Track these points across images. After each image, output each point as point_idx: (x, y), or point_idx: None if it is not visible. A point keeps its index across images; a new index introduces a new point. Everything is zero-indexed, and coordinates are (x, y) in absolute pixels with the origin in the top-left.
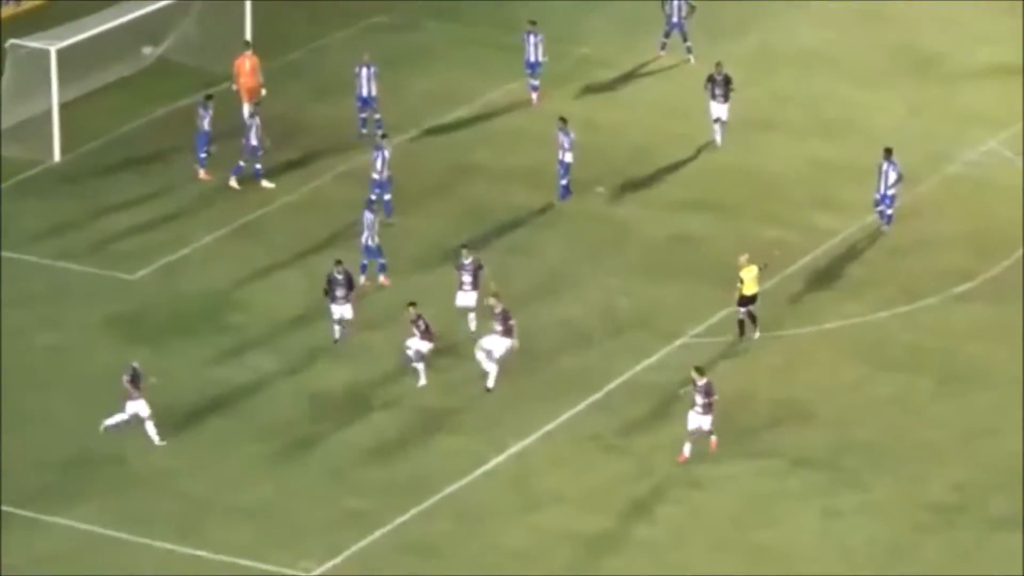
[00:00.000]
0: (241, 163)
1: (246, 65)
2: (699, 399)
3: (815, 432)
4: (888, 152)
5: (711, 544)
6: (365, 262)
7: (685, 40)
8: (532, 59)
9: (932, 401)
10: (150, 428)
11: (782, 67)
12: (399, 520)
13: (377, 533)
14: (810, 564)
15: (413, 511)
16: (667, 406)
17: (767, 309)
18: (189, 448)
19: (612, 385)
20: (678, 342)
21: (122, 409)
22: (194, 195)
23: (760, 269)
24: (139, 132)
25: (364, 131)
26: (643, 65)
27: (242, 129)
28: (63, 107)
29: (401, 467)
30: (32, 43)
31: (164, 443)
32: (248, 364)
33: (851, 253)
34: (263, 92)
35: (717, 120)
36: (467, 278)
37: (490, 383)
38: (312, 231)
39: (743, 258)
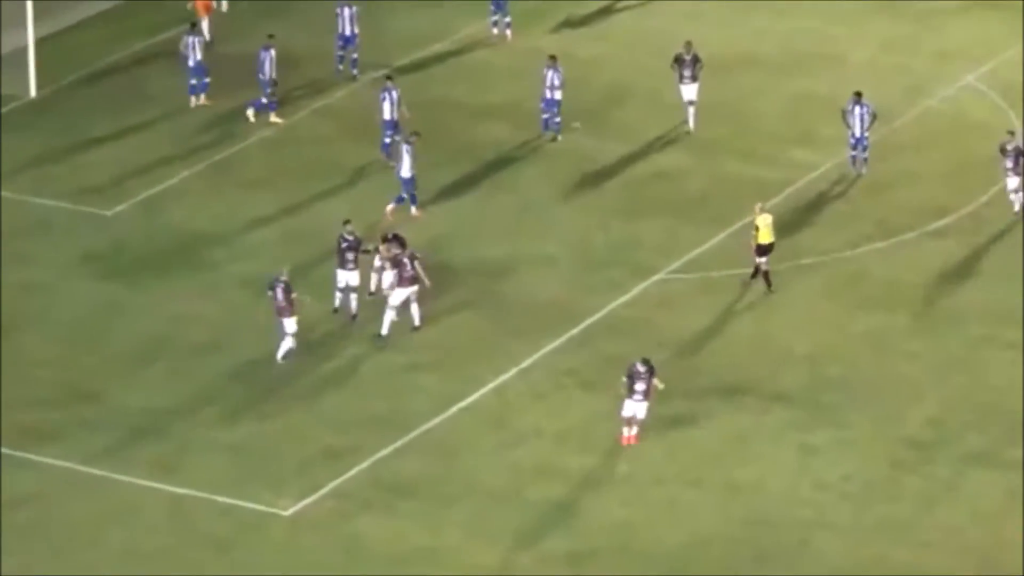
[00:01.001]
0: (274, 98)
1: None
2: (639, 387)
3: (791, 368)
4: (858, 95)
5: (688, 481)
6: (404, 196)
7: None
8: None
9: (908, 337)
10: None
11: (758, 3)
12: (376, 457)
13: (354, 470)
14: (787, 500)
15: (390, 448)
16: (644, 342)
17: (743, 244)
18: (167, 385)
19: (590, 321)
20: (655, 278)
21: (281, 331)
22: (170, 130)
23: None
24: (115, 67)
25: (341, 68)
26: (620, 0)
27: (256, 63)
28: (40, 41)
29: (378, 403)
30: None
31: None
32: (225, 300)
33: (828, 189)
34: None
35: (690, 103)
36: (349, 255)
37: (385, 331)
38: (289, 167)
39: (758, 206)
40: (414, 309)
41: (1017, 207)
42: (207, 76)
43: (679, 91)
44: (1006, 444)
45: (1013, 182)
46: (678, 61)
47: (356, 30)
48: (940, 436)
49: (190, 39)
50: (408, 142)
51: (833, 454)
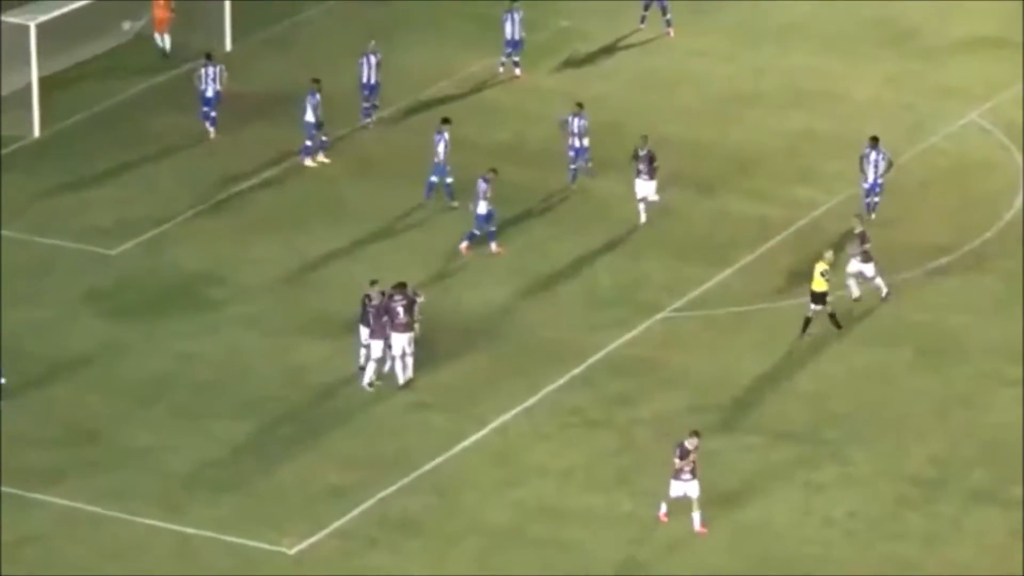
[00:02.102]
0: (308, 142)
1: None
2: (687, 465)
3: (796, 406)
4: (875, 140)
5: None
6: (476, 232)
7: (664, 13)
8: (516, 37)
9: (911, 374)
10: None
11: (761, 40)
12: (381, 495)
13: (359, 509)
14: (792, 538)
15: (395, 486)
16: (648, 380)
17: (747, 281)
18: (170, 424)
19: (593, 359)
20: (659, 316)
21: (359, 353)
22: (174, 170)
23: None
24: (119, 107)
25: (369, 121)
26: (623, 38)
27: (301, 107)
28: (43, 82)
29: (382, 442)
30: (11, 18)
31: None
32: (229, 339)
33: (831, 226)
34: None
35: (643, 200)
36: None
37: (400, 380)
38: (292, 207)
39: (827, 254)
40: (408, 363)
41: (856, 292)
42: (216, 110)
43: (634, 186)
44: (1010, 481)
45: (855, 266)
46: (635, 157)
47: (379, 79)
48: (944, 473)
49: (206, 70)
50: (485, 179)
51: (838, 491)
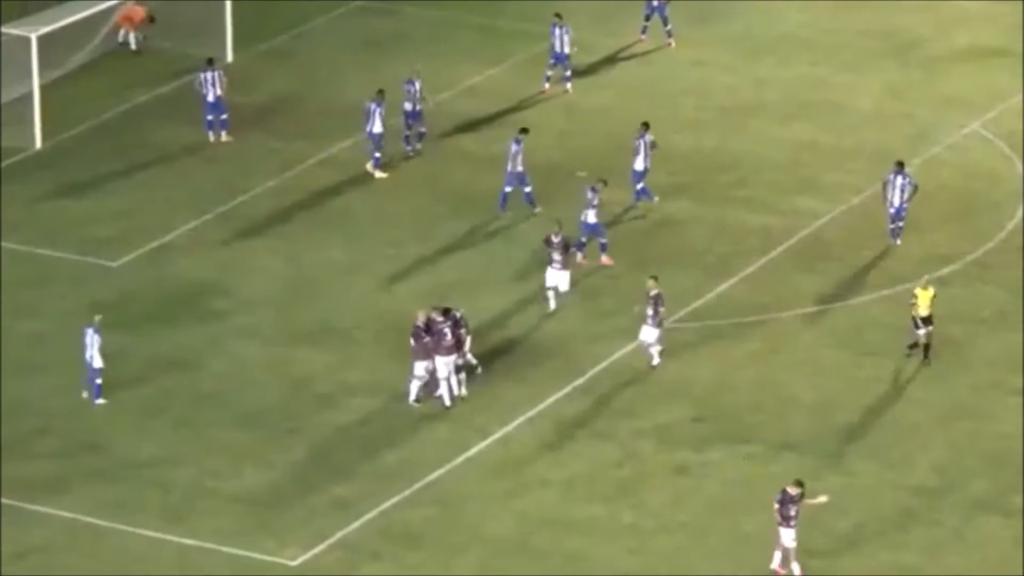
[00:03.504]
0: (377, 154)
1: None
2: (792, 511)
3: (798, 416)
4: (900, 165)
5: (696, 530)
6: (583, 240)
7: (665, 24)
8: (563, 51)
9: (913, 384)
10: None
11: (763, 50)
12: (383, 506)
13: (361, 520)
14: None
15: (397, 498)
16: (650, 391)
17: (749, 292)
18: (172, 435)
19: (595, 370)
20: None
21: (411, 374)
22: (176, 181)
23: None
24: (121, 118)
25: (410, 148)
26: (624, 49)
27: (365, 117)
28: (44, 93)
29: (385, 454)
30: (11, 30)
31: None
32: (231, 350)
33: (833, 236)
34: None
35: (552, 289)
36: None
37: (447, 401)
38: (295, 217)
39: (923, 278)
40: (453, 382)
41: (656, 359)
42: (225, 113)
43: (545, 275)
44: (1012, 491)
45: (648, 333)
46: (547, 243)
47: (422, 106)
48: (947, 483)
49: (205, 75)
50: (594, 189)
51: (841, 502)
